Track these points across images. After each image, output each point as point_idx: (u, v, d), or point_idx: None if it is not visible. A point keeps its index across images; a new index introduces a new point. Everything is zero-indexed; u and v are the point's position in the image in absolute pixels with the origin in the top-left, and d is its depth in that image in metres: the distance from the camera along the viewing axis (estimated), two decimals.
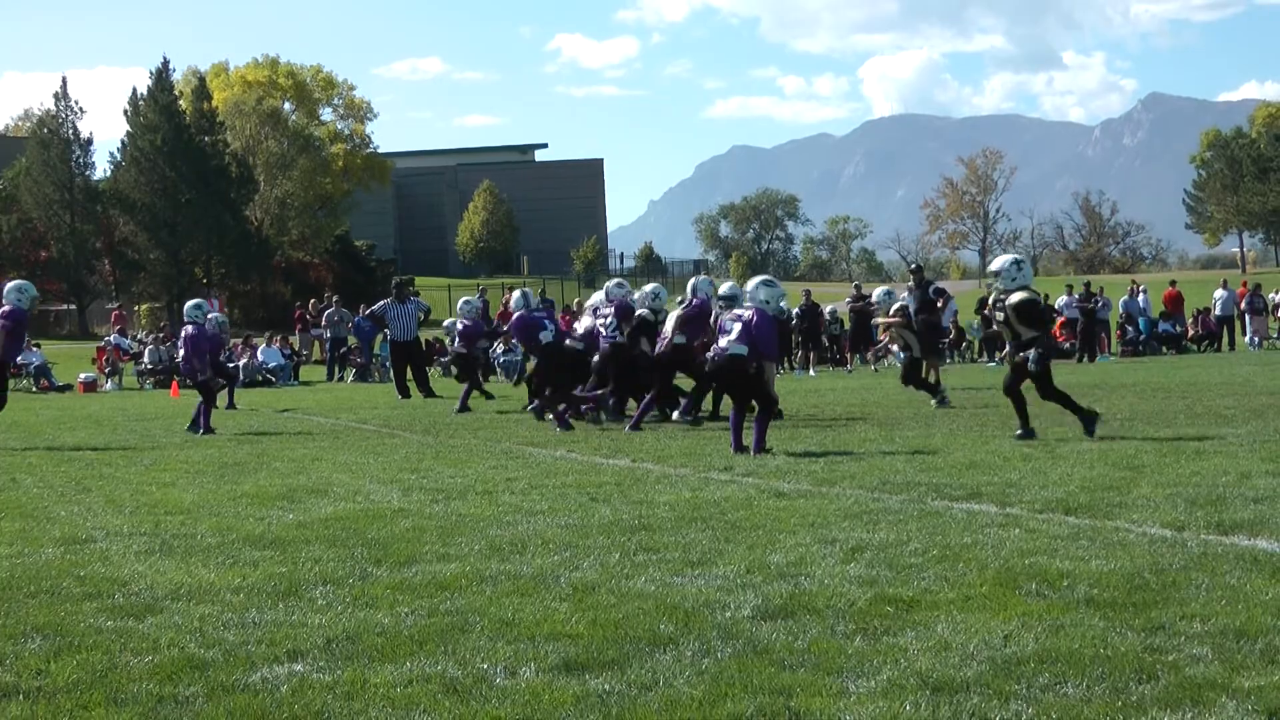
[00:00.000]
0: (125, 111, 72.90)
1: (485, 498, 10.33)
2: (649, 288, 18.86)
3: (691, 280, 19.02)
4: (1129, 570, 6.52)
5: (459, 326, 22.64)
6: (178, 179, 69.70)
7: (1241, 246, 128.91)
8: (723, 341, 13.95)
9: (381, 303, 21.08)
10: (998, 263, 15.65)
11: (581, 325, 19.05)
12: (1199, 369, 29.23)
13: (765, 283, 14.69)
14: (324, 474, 12.63)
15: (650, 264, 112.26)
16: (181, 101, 73.27)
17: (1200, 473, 10.06)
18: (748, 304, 14.39)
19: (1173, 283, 45.93)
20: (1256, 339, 42.56)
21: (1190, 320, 43.62)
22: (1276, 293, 42.54)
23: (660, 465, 12.46)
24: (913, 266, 27.78)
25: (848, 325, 38.03)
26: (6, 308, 16.84)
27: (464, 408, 20.97)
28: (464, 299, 23.81)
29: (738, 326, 13.84)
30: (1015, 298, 14.79)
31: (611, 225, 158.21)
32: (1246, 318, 42.92)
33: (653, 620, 5.89)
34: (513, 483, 11.26)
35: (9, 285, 17.21)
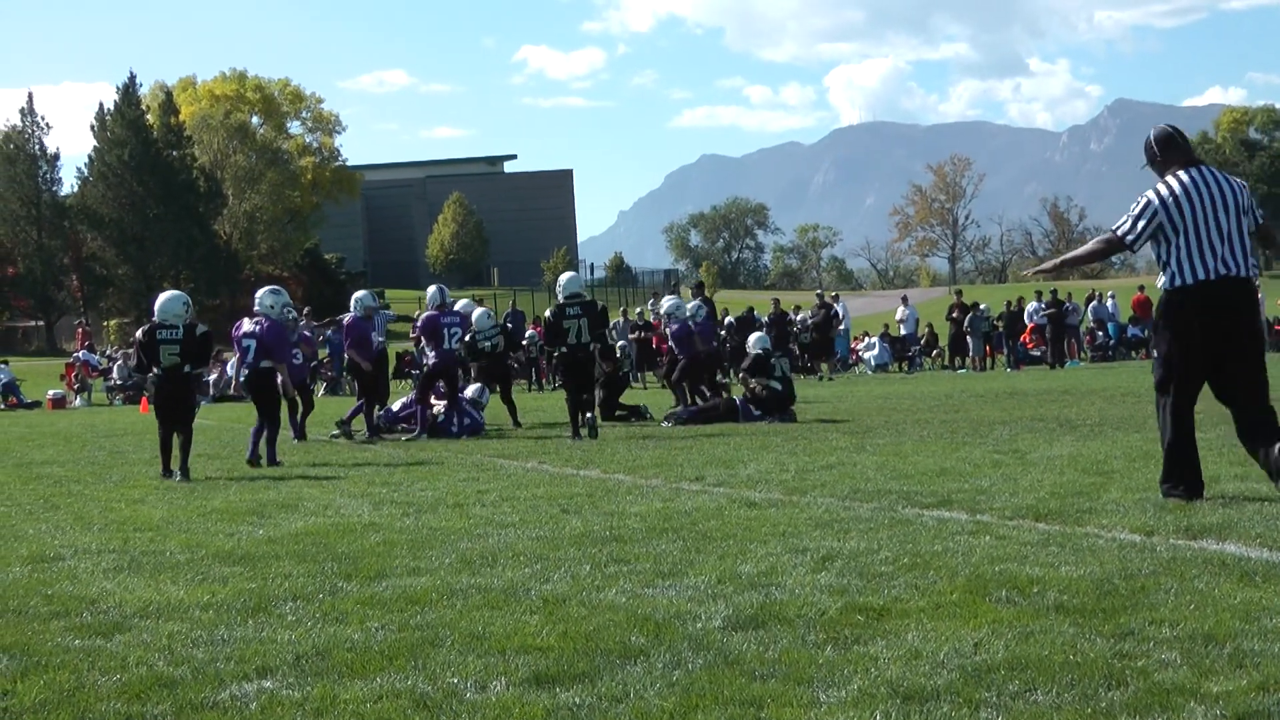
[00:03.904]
0: (92, 127, 72.72)
1: (456, 511, 10.30)
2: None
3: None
4: (1098, 576, 6.53)
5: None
6: (145, 194, 69.53)
7: None
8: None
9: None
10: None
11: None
12: None
13: (272, 291, 16.76)
14: (294, 488, 12.58)
15: (620, 274, 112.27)
16: (149, 116, 73.12)
17: None
18: (257, 311, 16.29)
19: (1141, 288, 46.11)
20: None
21: None
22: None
23: (632, 476, 12.45)
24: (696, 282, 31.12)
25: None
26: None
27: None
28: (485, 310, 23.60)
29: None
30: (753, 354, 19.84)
31: (582, 236, 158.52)
32: None
33: (624, 632, 5.88)
34: (484, 495, 11.23)
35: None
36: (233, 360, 30.38)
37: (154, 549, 8.88)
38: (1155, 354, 9.29)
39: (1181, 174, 8.94)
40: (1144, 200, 8.98)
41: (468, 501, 10.85)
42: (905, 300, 45.37)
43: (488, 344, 21.81)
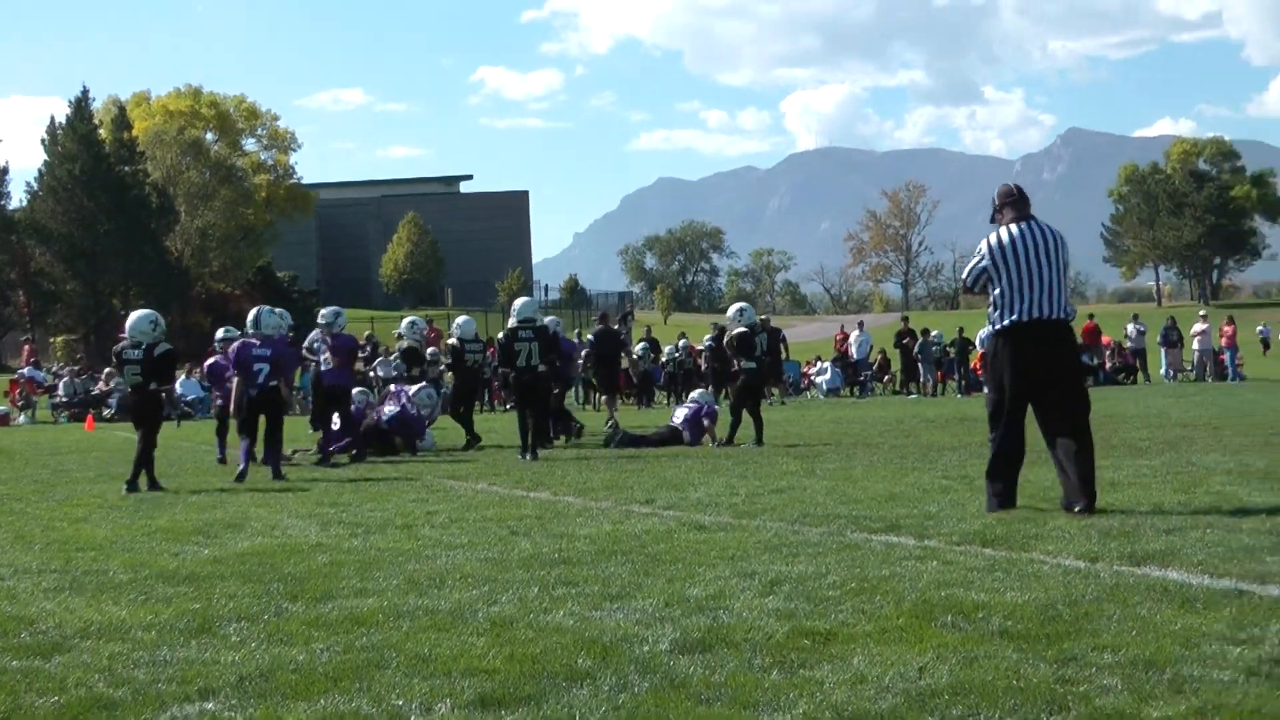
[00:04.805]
0: (42, 141, 72.16)
1: (404, 532, 10.26)
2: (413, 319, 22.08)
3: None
4: (1043, 602, 6.56)
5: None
6: (96, 209, 69.00)
7: (1158, 280, 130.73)
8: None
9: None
10: (731, 309, 20.06)
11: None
12: (1115, 401, 29.60)
13: (272, 311, 17.26)
14: (241, 508, 12.51)
15: (575, 296, 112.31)
16: (101, 131, 72.55)
17: (1114, 504, 10.17)
18: (260, 332, 16.52)
19: (1091, 316, 46.46)
20: (1172, 371, 43.16)
21: (1108, 353, 44.16)
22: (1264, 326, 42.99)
23: (581, 498, 12.44)
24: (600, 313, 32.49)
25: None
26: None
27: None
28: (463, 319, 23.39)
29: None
30: (736, 332, 19.41)
31: (536, 257, 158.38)
32: (1162, 351, 43.53)
33: (570, 655, 5.86)
34: (433, 516, 11.20)
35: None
36: (193, 375, 30.12)
37: (96, 568, 8.81)
38: (986, 389, 10.67)
39: (1012, 226, 10.13)
40: (979, 249, 10.26)
41: (416, 523, 10.81)
42: (860, 325, 45.55)
43: (470, 357, 21.82)
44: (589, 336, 24.53)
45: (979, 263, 10.20)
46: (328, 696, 5.33)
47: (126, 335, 15.23)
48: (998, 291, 10.05)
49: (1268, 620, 5.99)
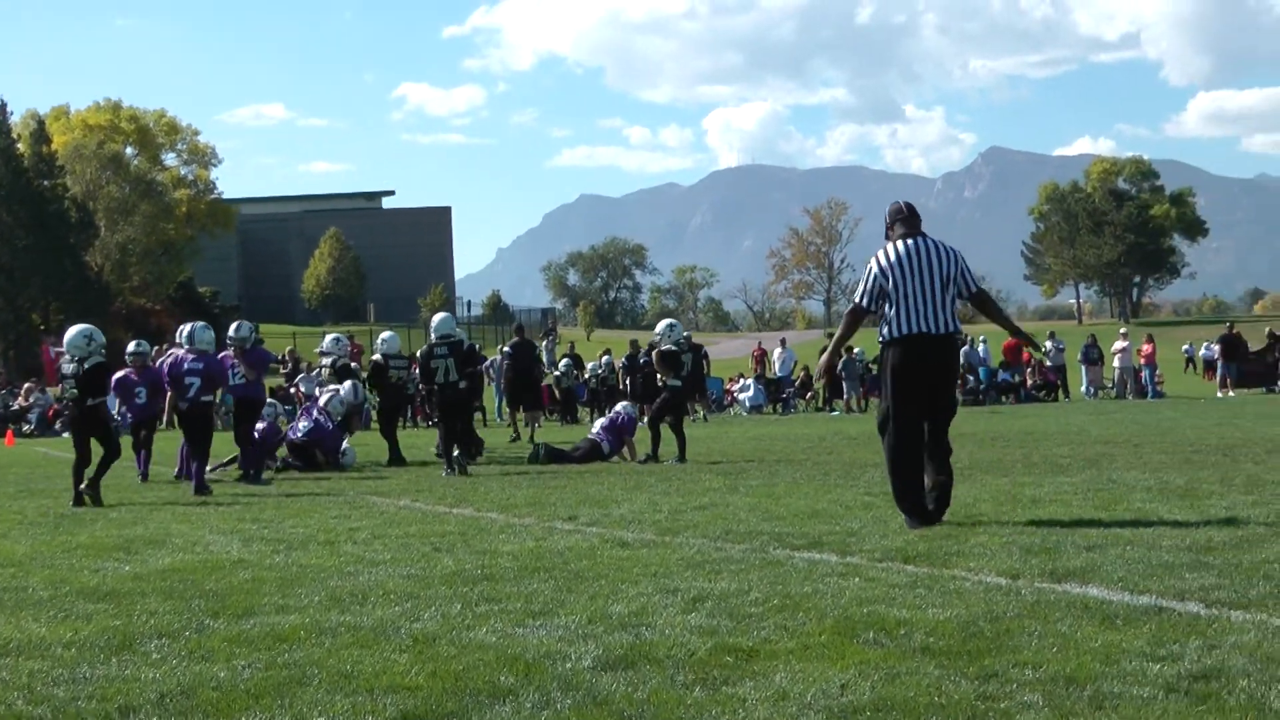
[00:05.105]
0: None
1: (327, 548, 10.20)
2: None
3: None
4: (965, 618, 6.61)
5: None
6: (14, 224, 68.13)
7: (1078, 298, 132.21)
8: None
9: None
10: (660, 325, 20.04)
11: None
12: (1036, 418, 29.87)
13: (205, 326, 17.49)
14: (163, 524, 12.39)
15: (498, 312, 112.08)
16: (19, 144, 71.64)
17: (1036, 521, 10.27)
18: (194, 347, 16.92)
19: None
20: (1092, 388, 43.66)
21: (1029, 370, 44.57)
22: (1206, 346, 43.42)
23: (505, 515, 12.42)
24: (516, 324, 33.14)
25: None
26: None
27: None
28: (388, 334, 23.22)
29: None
30: (664, 349, 19.44)
31: (459, 273, 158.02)
32: (1083, 368, 44.01)
33: (493, 671, 5.85)
34: (355, 533, 11.14)
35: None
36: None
37: (15, 585, 8.70)
38: (879, 400, 11.09)
39: (899, 243, 10.40)
40: (868, 268, 10.50)
41: (339, 539, 10.75)
42: (783, 342, 45.75)
43: (394, 374, 21.75)
44: (505, 349, 24.50)
45: (874, 280, 10.37)
46: (249, 714, 5.30)
47: (64, 350, 15.36)
48: (889, 307, 10.30)
49: (1187, 637, 6.07)
